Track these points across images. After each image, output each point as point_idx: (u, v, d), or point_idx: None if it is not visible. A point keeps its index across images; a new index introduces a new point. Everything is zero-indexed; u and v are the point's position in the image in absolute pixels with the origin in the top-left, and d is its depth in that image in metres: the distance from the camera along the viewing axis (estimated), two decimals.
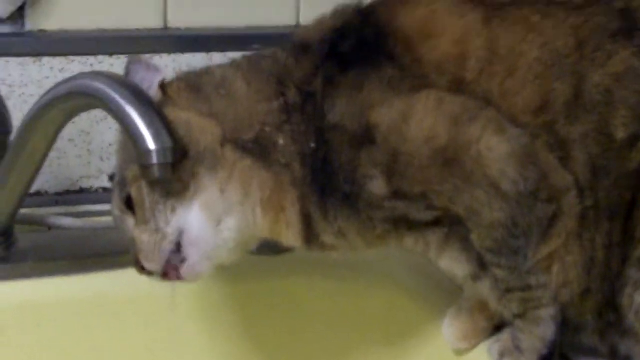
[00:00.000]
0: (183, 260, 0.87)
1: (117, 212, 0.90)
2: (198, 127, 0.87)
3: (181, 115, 0.88)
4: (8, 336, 1.03)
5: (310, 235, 0.90)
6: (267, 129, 0.88)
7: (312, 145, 0.87)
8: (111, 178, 1.04)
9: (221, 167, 0.87)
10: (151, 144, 0.84)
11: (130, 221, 0.89)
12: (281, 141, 0.88)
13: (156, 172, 0.85)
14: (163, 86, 0.90)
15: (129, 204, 0.89)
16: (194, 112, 0.88)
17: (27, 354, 1.03)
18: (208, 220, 0.87)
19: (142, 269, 0.89)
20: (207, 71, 0.92)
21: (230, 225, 0.88)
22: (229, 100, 0.89)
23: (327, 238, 0.90)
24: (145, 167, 0.85)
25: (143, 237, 0.87)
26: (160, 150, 0.84)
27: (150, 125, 0.85)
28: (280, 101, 0.88)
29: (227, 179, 0.87)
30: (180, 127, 0.87)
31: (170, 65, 1.18)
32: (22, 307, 1.03)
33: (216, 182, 0.87)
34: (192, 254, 0.87)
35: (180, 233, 0.87)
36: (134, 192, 0.88)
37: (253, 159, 0.88)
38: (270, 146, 0.88)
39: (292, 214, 0.89)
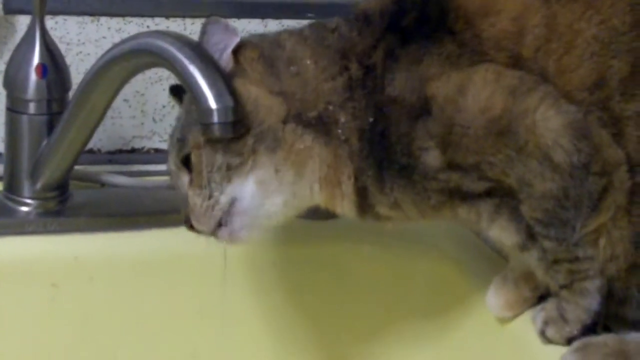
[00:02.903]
0: (225, 224, 0.90)
1: (172, 167, 0.93)
2: (265, 106, 0.89)
3: (251, 90, 0.89)
4: (60, 289, 1.05)
5: (365, 206, 0.92)
6: (330, 107, 0.89)
7: (371, 119, 0.88)
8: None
9: (280, 148, 0.89)
10: (213, 103, 0.86)
11: (185, 178, 0.91)
12: (342, 119, 0.89)
13: (217, 131, 0.86)
14: (236, 52, 0.91)
15: (186, 162, 0.91)
16: (264, 89, 0.90)
17: (78, 307, 1.06)
18: (260, 194, 0.90)
19: (191, 227, 0.92)
20: (278, 43, 0.92)
21: (278, 202, 0.90)
22: (298, 80, 0.90)
23: (382, 209, 0.91)
24: (206, 126, 0.87)
25: (196, 200, 0.90)
26: (222, 109, 0.86)
27: (212, 84, 0.86)
28: (344, 77, 0.89)
29: (283, 160, 0.89)
30: (248, 103, 0.89)
31: None
32: (75, 260, 1.05)
33: (273, 162, 0.89)
34: (236, 222, 0.90)
35: (233, 202, 0.89)
36: (193, 157, 0.90)
37: (313, 136, 0.90)
38: (332, 123, 0.89)
39: (348, 187, 0.91)
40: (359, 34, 0.90)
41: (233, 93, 0.87)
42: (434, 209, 0.91)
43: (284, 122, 0.89)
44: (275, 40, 0.93)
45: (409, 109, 0.87)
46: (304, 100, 0.90)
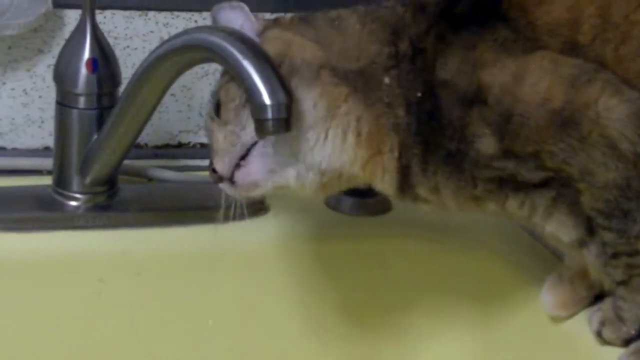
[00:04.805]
0: (243, 166, 0.89)
1: (208, 122, 0.92)
2: (299, 45, 0.89)
3: (285, 34, 0.90)
4: (107, 284, 1.05)
5: (405, 185, 0.90)
6: (374, 66, 0.88)
7: (419, 94, 0.87)
8: None
9: (315, 84, 0.88)
10: (267, 99, 0.85)
11: (216, 127, 0.91)
12: (387, 80, 0.88)
13: (270, 127, 0.86)
14: (277, 19, 0.92)
15: (218, 110, 0.91)
16: (298, 35, 0.90)
17: (125, 302, 1.06)
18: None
19: (213, 172, 0.90)
20: (322, 11, 0.93)
21: (311, 144, 0.88)
22: (339, 33, 0.90)
23: (423, 191, 0.90)
24: (260, 122, 0.86)
25: (219, 136, 0.89)
26: (276, 105, 0.85)
27: (267, 81, 0.86)
28: (392, 49, 0.88)
29: (318, 96, 0.88)
30: (281, 44, 0.89)
31: None
32: (122, 255, 1.05)
33: (307, 96, 0.88)
34: (255, 162, 0.88)
35: (255, 142, 0.88)
36: (222, 94, 0.90)
37: (350, 89, 0.88)
38: (374, 83, 0.88)
39: (391, 161, 0.89)
40: (413, 18, 0.89)
41: (287, 88, 0.87)
42: (476, 201, 0.89)
43: (320, 67, 0.88)
44: (317, 11, 0.93)
45: (461, 94, 0.86)
46: (344, 51, 0.89)
